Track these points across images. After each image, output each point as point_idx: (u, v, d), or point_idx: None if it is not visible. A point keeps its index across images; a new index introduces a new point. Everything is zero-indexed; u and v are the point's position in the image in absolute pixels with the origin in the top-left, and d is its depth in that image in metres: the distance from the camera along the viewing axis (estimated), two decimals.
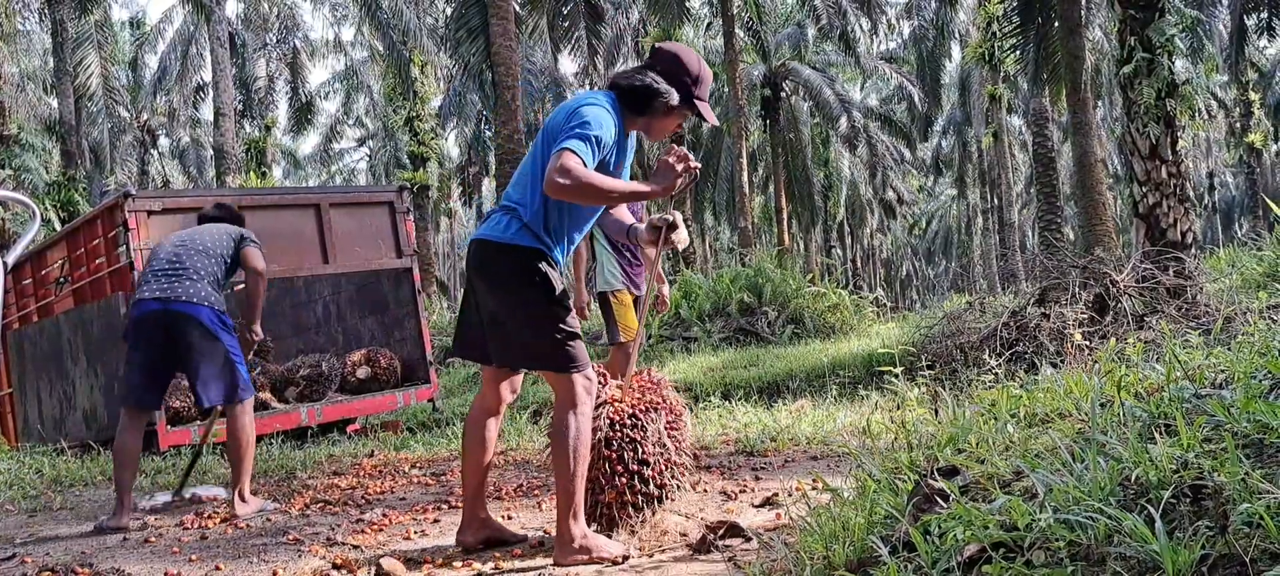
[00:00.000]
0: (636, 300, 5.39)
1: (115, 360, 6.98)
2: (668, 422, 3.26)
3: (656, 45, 3.11)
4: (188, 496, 4.85)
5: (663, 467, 3.19)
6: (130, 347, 4.41)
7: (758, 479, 4.27)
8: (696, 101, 3.00)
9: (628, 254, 5.39)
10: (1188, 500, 1.67)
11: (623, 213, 3.44)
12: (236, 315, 4.72)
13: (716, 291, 14.06)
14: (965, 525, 1.84)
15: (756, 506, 3.61)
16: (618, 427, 3.16)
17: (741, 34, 23.13)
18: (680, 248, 3.19)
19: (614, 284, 5.36)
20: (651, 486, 3.15)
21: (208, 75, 25.65)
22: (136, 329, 4.36)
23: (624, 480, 3.13)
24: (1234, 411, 1.88)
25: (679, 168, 2.78)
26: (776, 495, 3.67)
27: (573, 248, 3.09)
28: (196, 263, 4.47)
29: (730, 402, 7.27)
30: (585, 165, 2.72)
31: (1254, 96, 30.06)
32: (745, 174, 20.91)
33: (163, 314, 4.30)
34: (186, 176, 36.18)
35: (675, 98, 2.98)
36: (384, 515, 3.97)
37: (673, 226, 3.16)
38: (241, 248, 4.62)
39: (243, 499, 4.31)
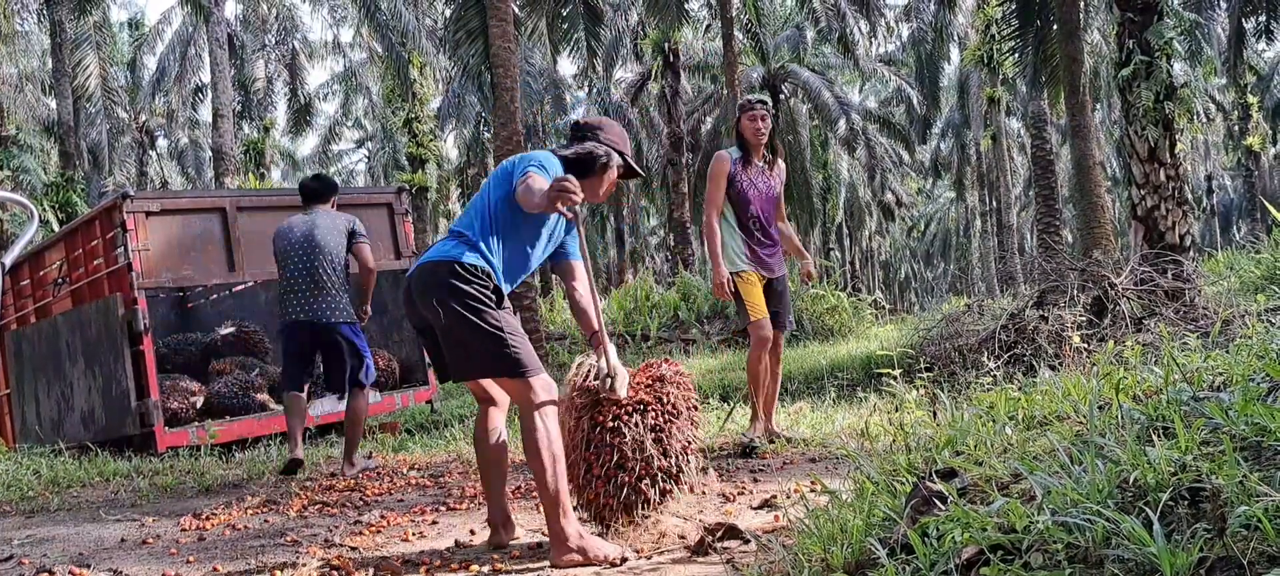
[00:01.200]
0: (768, 283, 5.22)
1: (113, 362, 6.98)
2: (657, 424, 3.14)
3: (579, 122, 3.42)
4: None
5: (643, 474, 3.07)
6: (284, 347, 5.69)
7: (756, 481, 4.27)
8: (628, 162, 3.32)
9: (757, 234, 5.20)
10: (1186, 502, 1.67)
11: None
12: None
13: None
14: (963, 527, 1.84)
15: (755, 508, 3.61)
16: (597, 430, 3.11)
17: (740, 36, 23.13)
18: (619, 398, 3.12)
19: (739, 265, 5.17)
20: (626, 492, 3.06)
21: (206, 76, 25.63)
22: (287, 334, 5.57)
23: (600, 484, 3.09)
24: (1232, 414, 1.88)
25: (560, 206, 2.75)
26: (775, 497, 3.67)
27: (513, 286, 3.20)
28: (330, 277, 5.45)
29: (729, 404, 7.27)
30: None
31: (1252, 99, 30.09)
32: None
33: (309, 325, 5.45)
34: (185, 177, 36.15)
35: (615, 160, 3.25)
36: (382, 517, 3.97)
37: (612, 381, 3.12)
38: (353, 243, 5.55)
39: (351, 463, 5.40)
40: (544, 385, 3.02)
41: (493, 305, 3.00)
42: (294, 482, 5.19)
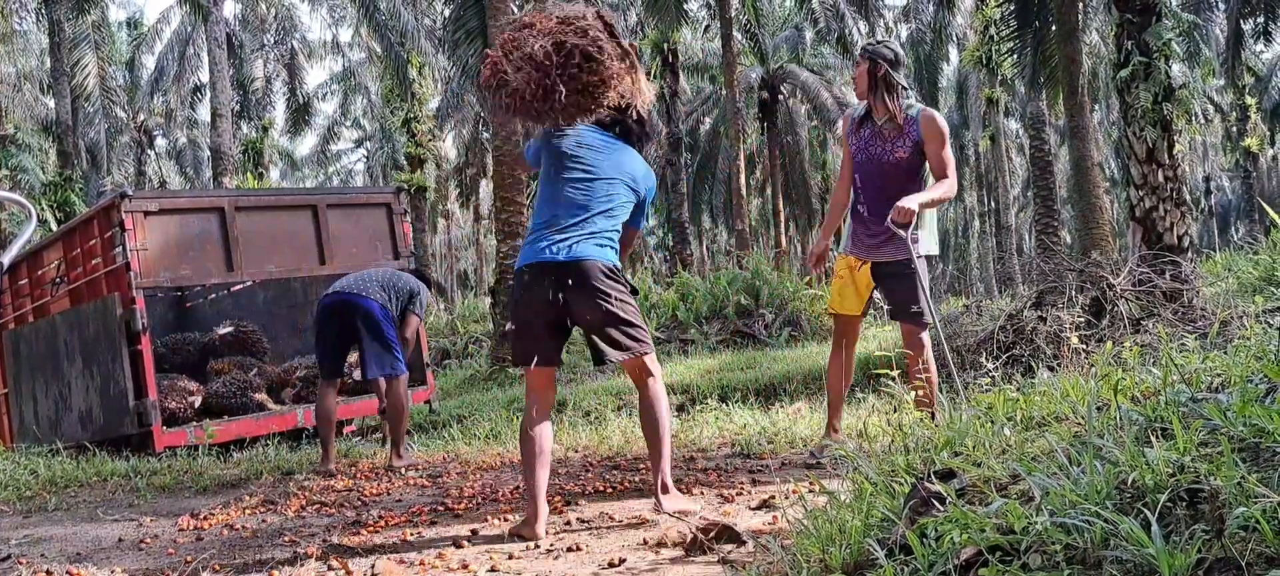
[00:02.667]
0: (875, 268, 4.49)
1: (111, 361, 6.98)
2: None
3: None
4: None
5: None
6: (315, 334, 5.89)
7: (754, 481, 4.27)
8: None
9: (860, 209, 4.52)
10: (1184, 504, 1.67)
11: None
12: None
13: (713, 293, 14.06)
14: (962, 528, 1.84)
15: (753, 508, 3.61)
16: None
17: (739, 36, 23.15)
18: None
19: (844, 246, 4.68)
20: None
21: (205, 76, 25.64)
22: (317, 320, 5.79)
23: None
24: (1230, 415, 1.88)
25: None
26: (773, 497, 3.66)
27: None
28: (373, 281, 5.80)
29: (727, 405, 7.27)
30: None
31: (1250, 101, 30.14)
32: (742, 176, 20.93)
33: (338, 304, 5.64)
34: (183, 177, 36.13)
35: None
36: (380, 517, 3.97)
37: None
38: (408, 309, 5.83)
39: (399, 454, 5.60)
40: (655, 361, 3.62)
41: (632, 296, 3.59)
42: (293, 482, 5.18)
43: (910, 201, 4.17)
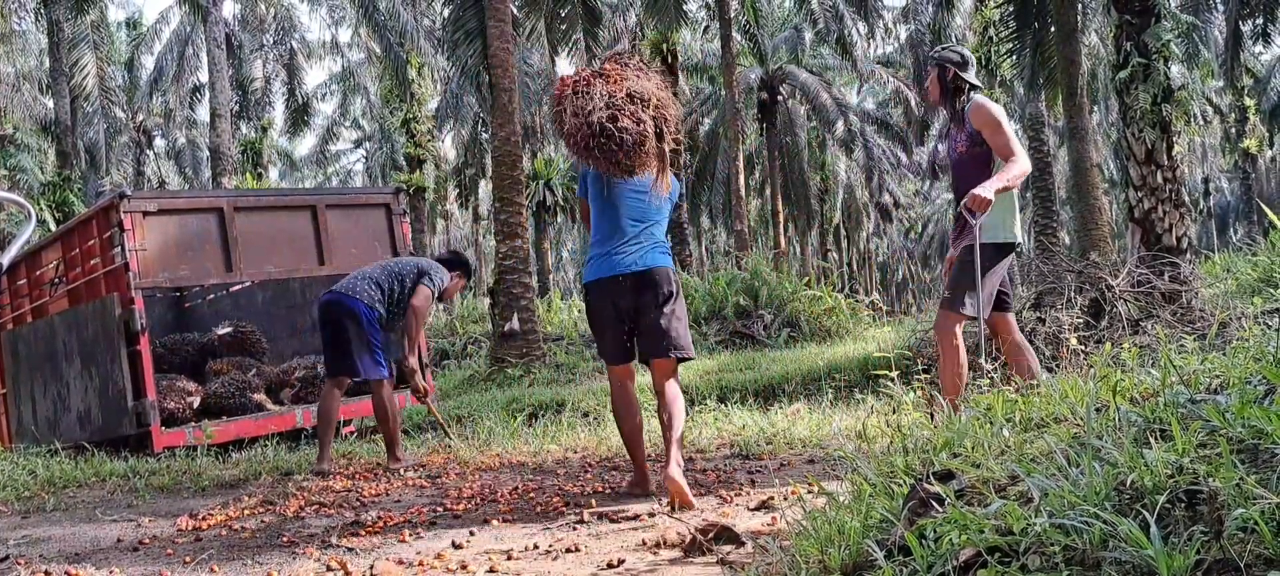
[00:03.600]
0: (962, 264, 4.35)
1: (109, 361, 6.97)
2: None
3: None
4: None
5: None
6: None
7: (753, 482, 4.27)
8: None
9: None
10: (1183, 505, 1.67)
11: None
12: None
13: (713, 294, 14.05)
14: (960, 529, 1.84)
15: (752, 509, 3.61)
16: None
17: (738, 37, 23.14)
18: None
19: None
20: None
21: (204, 76, 25.64)
22: (318, 320, 5.80)
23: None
24: (1229, 417, 1.88)
25: None
26: (772, 498, 3.67)
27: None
28: (368, 274, 5.75)
29: (726, 405, 7.27)
30: None
31: (1249, 102, 30.15)
32: (742, 177, 20.93)
33: (327, 303, 5.67)
34: (182, 177, 36.11)
35: None
36: (379, 518, 3.96)
37: None
38: (417, 285, 5.67)
39: (396, 458, 5.53)
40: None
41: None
42: (291, 483, 5.18)
43: (983, 189, 4.12)
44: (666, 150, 3.89)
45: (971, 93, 4.49)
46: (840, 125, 27.68)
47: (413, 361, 5.65)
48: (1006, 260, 4.44)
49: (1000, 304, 4.48)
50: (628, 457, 5.27)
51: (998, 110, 4.40)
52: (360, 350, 5.53)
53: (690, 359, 4.10)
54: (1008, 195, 4.34)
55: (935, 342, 4.42)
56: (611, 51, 4.15)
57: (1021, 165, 4.26)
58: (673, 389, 4.01)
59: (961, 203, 4.23)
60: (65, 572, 3.27)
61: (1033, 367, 4.29)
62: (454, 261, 6.00)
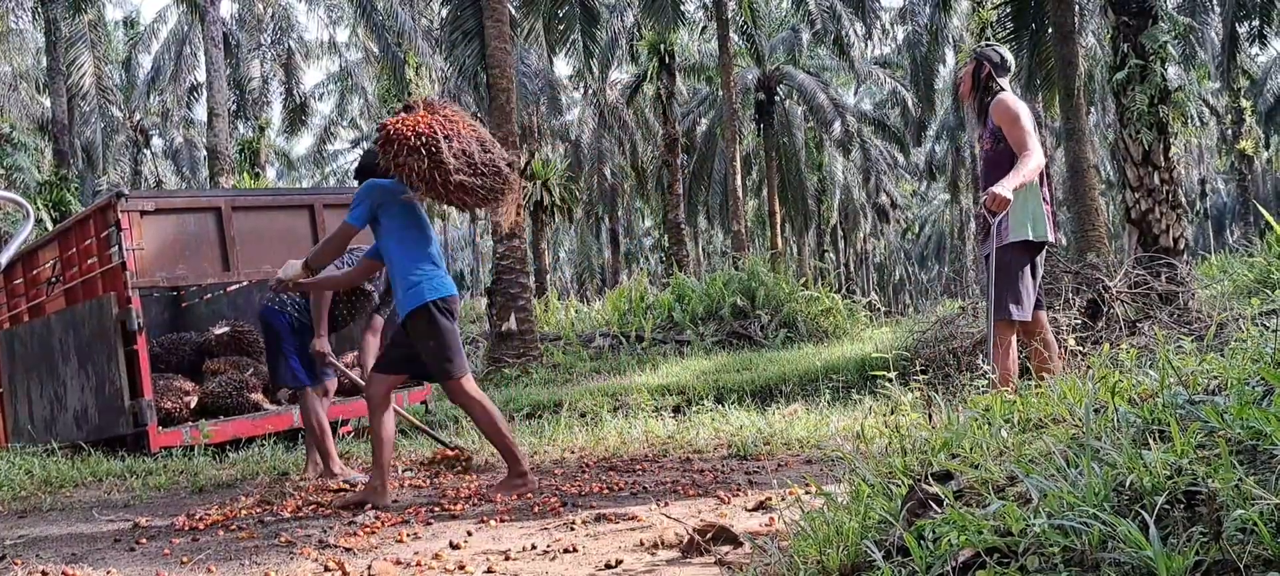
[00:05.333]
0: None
1: (106, 361, 6.96)
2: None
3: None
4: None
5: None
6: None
7: (751, 483, 4.27)
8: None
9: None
10: (1181, 506, 1.68)
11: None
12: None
13: (710, 295, 14.06)
14: (959, 530, 1.84)
15: (750, 510, 3.61)
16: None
17: (736, 38, 23.15)
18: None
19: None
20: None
21: (201, 75, 25.60)
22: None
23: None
24: (1227, 417, 1.88)
25: None
26: (770, 499, 3.67)
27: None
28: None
29: (723, 406, 7.28)
30: None
31: (1245, 103, 30.19)
32: (739, 178, 20.94)
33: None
34: (179, 177, 36.06)
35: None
36: (377, 518, 3.96)
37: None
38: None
39: (313, 468, 5.27)
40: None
41: None
42: (289, 483, 5.17)
43: (1000, 188, 4.09)
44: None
45: (998, 91, 4.48)
46: (837, 126, 27.68)
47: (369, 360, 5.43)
48: (1038, 257, 4.41)
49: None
50: (627, 458, 5.27)
51: (1019, 105, 4.39)
52: (279, 360, 5.24)
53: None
54: (1031, 192, 4.30)
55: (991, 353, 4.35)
56: (421, 99, 4.31)
57: (1035, 159, 4.23)
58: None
59: (980, 202, 4.19)
60: (62, 572, 3.27)
61: (1054, 370, 4.23)
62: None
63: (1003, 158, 4.36)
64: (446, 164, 4.05)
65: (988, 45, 4.63)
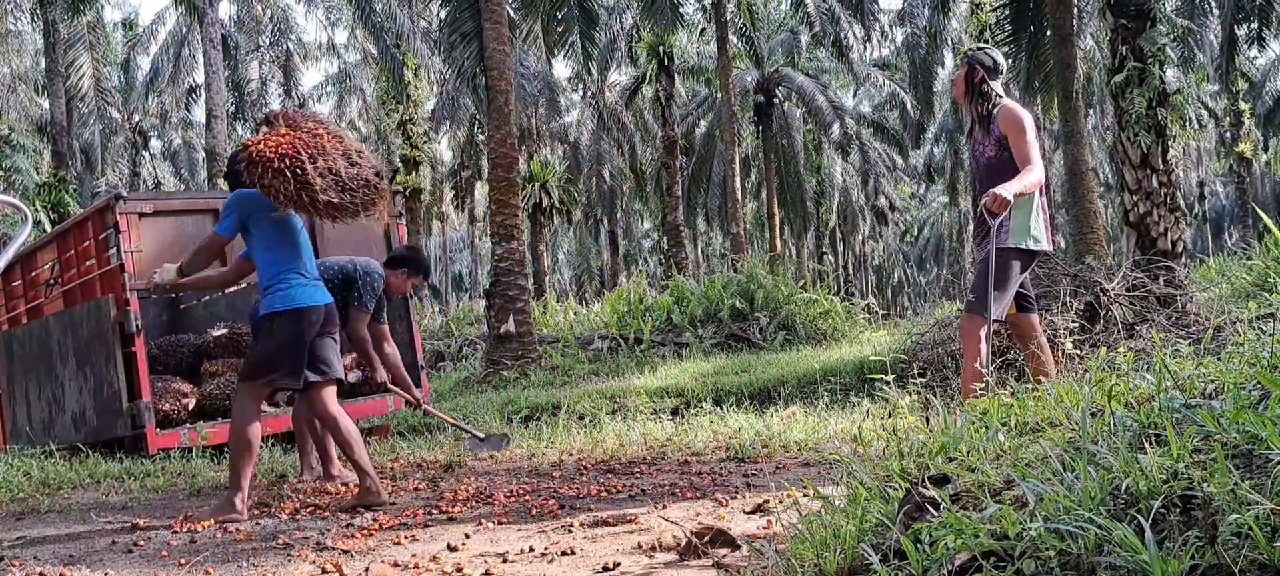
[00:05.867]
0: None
1: (104, 363, 6.95)
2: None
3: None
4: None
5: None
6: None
7: (749, 485, 4.27)
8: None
9: (980, 211, 4.44)
10: (1177, 510, 1.68)
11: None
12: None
13: (708, 297, 14.06)
14: (956, 533, 1.84)
15: (747, 513, 3.61)
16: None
17: (735, 40, 23.16)
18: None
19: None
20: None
21: (200, 77, 25.59)
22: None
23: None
24: (1224, 422, 1.88)
25: None
26: (767, 502, 3.67)
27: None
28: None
29: (722, 408, 7.28)
30: None
31: (1244, 106, 30.23)
32: (738, 180, 20.95)
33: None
34: (178, 178, 36.05)
35: None
36: (374, 520, 3.96)
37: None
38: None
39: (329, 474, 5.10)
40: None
41: None
42: (287, 485, 5.17)
43: (1004, 189, 4.13)
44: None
45: (998, 99, 4.51)
46: (836, 128, 27.71)
47: (379, 375, 5.50)
48: (1028, 264, 4.47)
49: (1024, 305, 4.52)
50: (625, 460, 5.27)
51: (1026, 117, 4.44)
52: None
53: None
54: (1029, 201, 4.35)
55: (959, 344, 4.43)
56: (279, 111, 4.46)
57: (1037, 173, 4.30)
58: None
59: (981, 202, 4.22)
60: (59, 574, 3.27)
61: (1050, 373, 4.26)
62: (400, 259, 5.59)
63: (1010, 166, 4.39)
64: (313, 184, 4.02)
65: (980, 49, 4.65)
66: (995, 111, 4.47)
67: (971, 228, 4.59)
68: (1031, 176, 4.27)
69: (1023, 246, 4.37)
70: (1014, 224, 4.33)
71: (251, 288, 9.00)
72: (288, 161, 4.01)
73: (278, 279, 4.29)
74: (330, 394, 4.43)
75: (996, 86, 4.51)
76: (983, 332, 4.32)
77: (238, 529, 3.95)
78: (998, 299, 4.32)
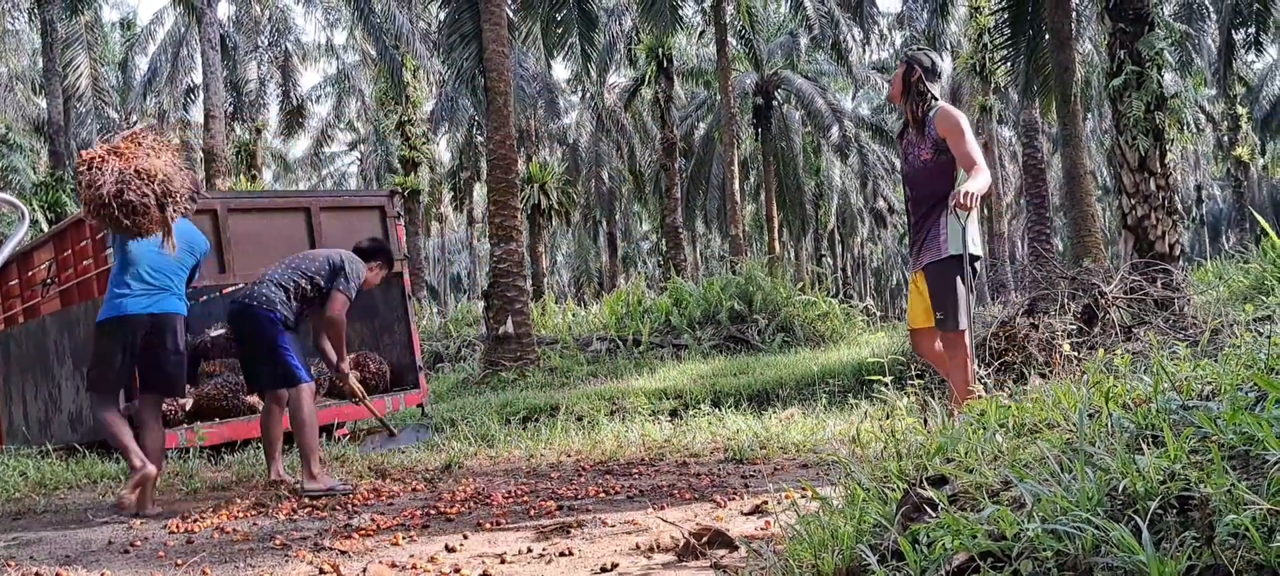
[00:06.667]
0: (924, 273, 4.40)
1: None
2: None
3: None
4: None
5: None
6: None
7: (747, 486, 4.27)
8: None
9: (912, 217, 4.49)
10: (1174, 511, 1.68)
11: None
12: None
13: (707, 299, 14.06)
14: (953, 534, 1.84)
15: (745, 514, 3.61)
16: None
17: (734, 42, 23.18)
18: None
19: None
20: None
21: (198, 77, 25.57)
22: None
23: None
24: (1220, 423, 1.88)
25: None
26: (766, 503, 3.67)
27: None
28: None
29: (720, 410, 7.28)
30: None
31: (1241, 110, 30.28)
32: (736, 182, 20.96)
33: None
34: None
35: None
36: (372, 521, 3.95)
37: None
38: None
39: (312, 476, 4.94)
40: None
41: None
42: (284, 486, 5.16)
43: (972, 185, 4.05)
44: (169, 217, 4.51)
45: (935, 101, 4.47)
46: (835, 131, 27.72)
47: (344, 367, 5.42)
48: (972, 267, 4.40)
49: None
50: (623, 461, 5.27)
51: (963, 118, 4.39)
52: (264, 358, 5.07)
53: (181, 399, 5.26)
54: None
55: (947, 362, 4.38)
56: (129, 132, 4.86)
57: (986, 175, 4.24)
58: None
59: (950, 203, 4.15)
60: (55, 574, 3.26)
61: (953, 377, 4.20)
62: (371, 250, 5.53)
63: (944, 168, 4.36)
64: (83, 196, 4.53)
65: (919, 49, 4.63)
66: (931, 114, 4.41)
67: (913, 227, 4.54)
68: (984, 177, 4.21)
69: (960, 253, 4.29)
70: (949, 232, 4.27)
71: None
72: (76, 170, 4.75)
73: (111, 289, 4.85)
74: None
75: (934, 89, 4.46)
76: (966, 343, 4.29)
77: (235, 529, 3.94)
78: (959, 308, 4.28)
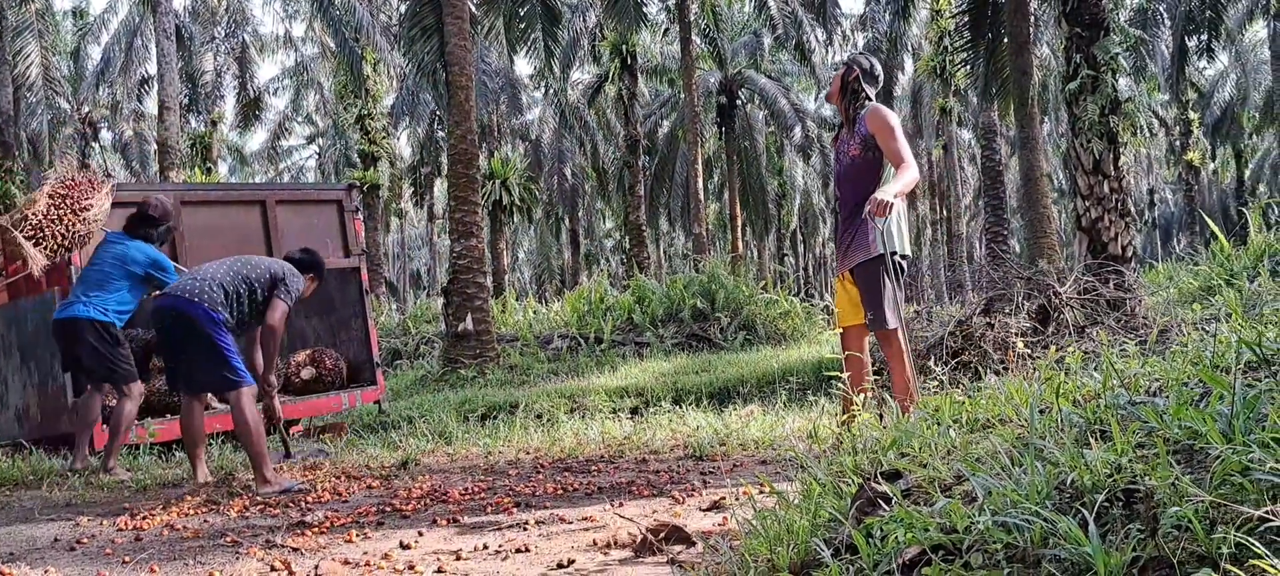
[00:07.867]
0: (852, 274, 4.46)
1: (50, 358, 6.78)
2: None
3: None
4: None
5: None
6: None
7: (706, 483, 4.28)
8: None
9: (841, 216, 4.54)
10: (1120, 503, 1.71)
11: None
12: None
13: (670, 297, 14.09)
14: (906, 527, 1.86)
15: (704, 510, 3.61)
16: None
17: (698, 41, 23.24)
18: None
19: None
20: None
21: (153, 68, 25.05)
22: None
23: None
24: (1166, 418, 1.92)
25: None
26: (724, 499, 3.67)
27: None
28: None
29: (681, 407, 7.29)
30: None
31: (1193, 116, 30.97)
32: (700, 180, 21.01)
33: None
34: (129, 171, 35.31)
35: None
36: (326, 518, 3.90)
37: None
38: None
39: (265, 480, 4.77)
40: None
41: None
42: (235, 482, 5.08)
43: (883, 192, 4.06)
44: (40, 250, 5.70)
45: (867, 101, 4.50)
46: (798, 131, 27.91)
47: (271, 380, 5.24)
48: (901, 265, 4.42)
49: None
50: (582, 459, 5.26)
51: (893, 117, 4.44)
52: (205, 360, 4.87)
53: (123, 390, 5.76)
54: (897, 206, 4.27)
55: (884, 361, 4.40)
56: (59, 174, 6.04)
57: (914, 172, 4.26)
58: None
59: (866, 209, 4.15)
60: (0, 572, 3.18)
61: (866, 386, 4.10)
62: (306, 262, 5.44)
63: (871, 166, 4.40)
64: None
65: (860, 52, 4.74)
66: (863, 111, 4.45)
67: (842, 226, 4.59)
68: (910, 175, 4.23)
69: (886, 251, 4.31)
70: (877, 231, 4.29)
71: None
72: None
73: None
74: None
75: (871, 91, 4.51)
76: (900, 340, 4.32)
77: (185, 526, 3.87)
78: (891, 306, 4.31)
